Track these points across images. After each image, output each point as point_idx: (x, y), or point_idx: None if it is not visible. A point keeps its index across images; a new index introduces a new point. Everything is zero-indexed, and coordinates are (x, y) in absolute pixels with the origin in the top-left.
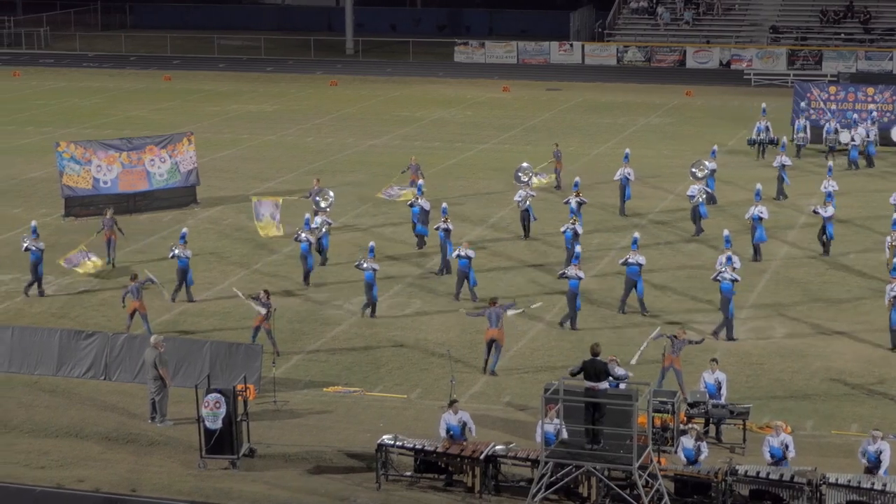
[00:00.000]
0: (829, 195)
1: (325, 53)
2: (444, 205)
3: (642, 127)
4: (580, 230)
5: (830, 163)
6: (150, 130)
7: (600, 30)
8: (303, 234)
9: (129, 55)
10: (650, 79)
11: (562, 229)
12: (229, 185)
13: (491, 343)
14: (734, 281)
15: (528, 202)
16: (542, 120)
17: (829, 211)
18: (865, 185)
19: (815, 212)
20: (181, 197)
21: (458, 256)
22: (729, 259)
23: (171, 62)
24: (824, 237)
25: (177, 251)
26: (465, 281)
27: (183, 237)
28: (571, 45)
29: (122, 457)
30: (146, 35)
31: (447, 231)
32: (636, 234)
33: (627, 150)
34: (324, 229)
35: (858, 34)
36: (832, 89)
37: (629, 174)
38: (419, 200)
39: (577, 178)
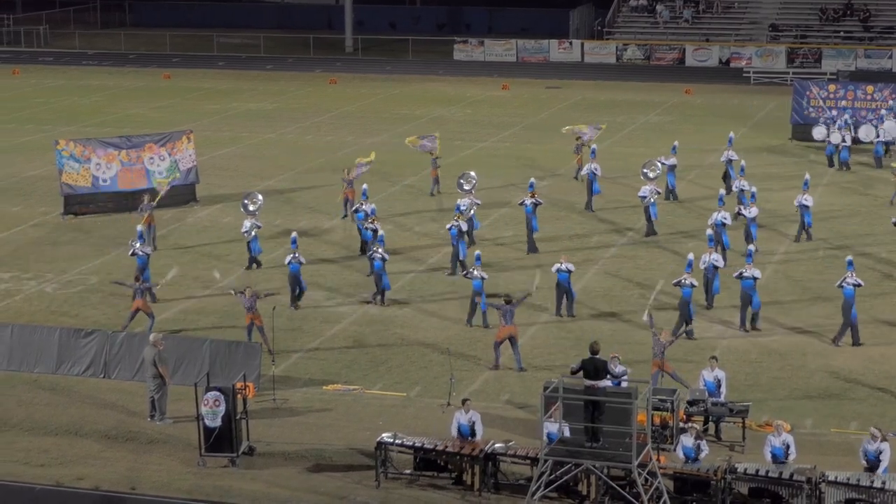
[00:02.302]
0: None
1: (325, 51)
2: (458, 202)
3: (641, 125)
4: (536, 227)
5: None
6: (149, 128)
7: (600, 28)
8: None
9: (129, 53)
10: (649, 77)
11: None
12: (229, 184)
13: (503, 342)
14: (857, 286)
15: (472, 210)
16: (542, 118)
17: (753, 212)
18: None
19: (739, 213)
20: (180, 195)
21: (558, 270)
22: (714, 259)
23: (170, 60)
24: (804, 231)
25: (289, 257)
26: (565, 295)
27: (294, 241)
28: (571, 44)
29: (121, 455)
30: (146, 33)
31: (460, 230)
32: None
33: (594, 147)
34: (253, 233)
35: (858, 32)
36: (832, 87)
37: (596, 169)
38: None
39: (532, 180)
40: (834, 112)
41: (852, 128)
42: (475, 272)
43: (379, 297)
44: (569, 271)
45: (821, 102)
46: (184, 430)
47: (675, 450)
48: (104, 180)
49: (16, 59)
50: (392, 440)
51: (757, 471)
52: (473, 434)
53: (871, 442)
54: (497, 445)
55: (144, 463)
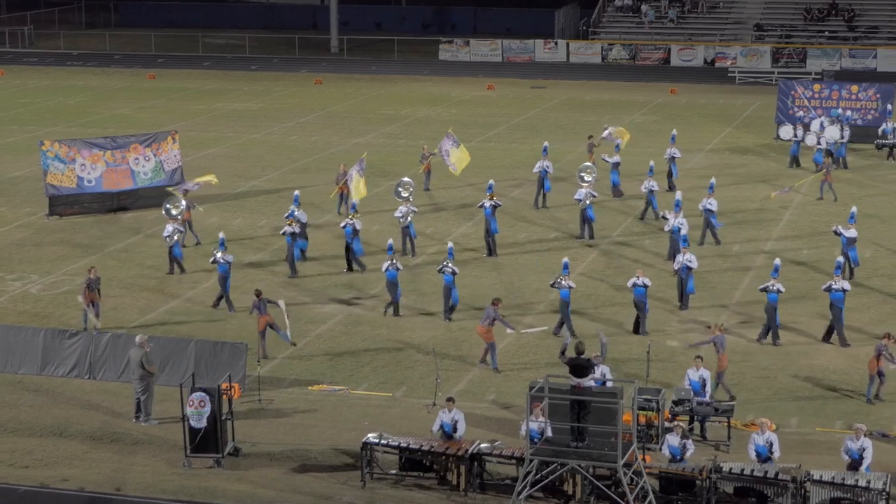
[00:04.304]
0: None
1: (310, 51)
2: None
3: (627, 125)
4: (496, 229)
5: (713, 180)
6: (134, 129)
7: (585, 28)
8: (218, 255)
9: (114, 54)
10: (635, 77)
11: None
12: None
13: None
14: (844, 290)
15: (409, 218)
16: (527, 118)
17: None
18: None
19: (663, 217)
20: (165, 196)
21: (634, 285)
22: (688, 259)
23: (155, 60)
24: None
25: (218, 255)
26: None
27: (222, 243)
28: (556, 44)
29: (106, 456)
30: (130, 33)
31: (354, 228)
32: (565, 259)
33: (546, 144)
34: (175, 237)
35: (842, 32)
36: (816, 87)
37: (548, 167)
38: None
39: (490, 181)
40: (800, 113)
41: (842, 125)
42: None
43: (391, 309)
44: (645, 286)
45: (806, 102)
46: (169, 430)
47: (660, 449)
48: (89, 181)
49: (0, 60)
50: (377, 440)
51: (742, 470)
52: (455, 432)
53: (853, 440)
54: (483, 445)
55: (129, 464)
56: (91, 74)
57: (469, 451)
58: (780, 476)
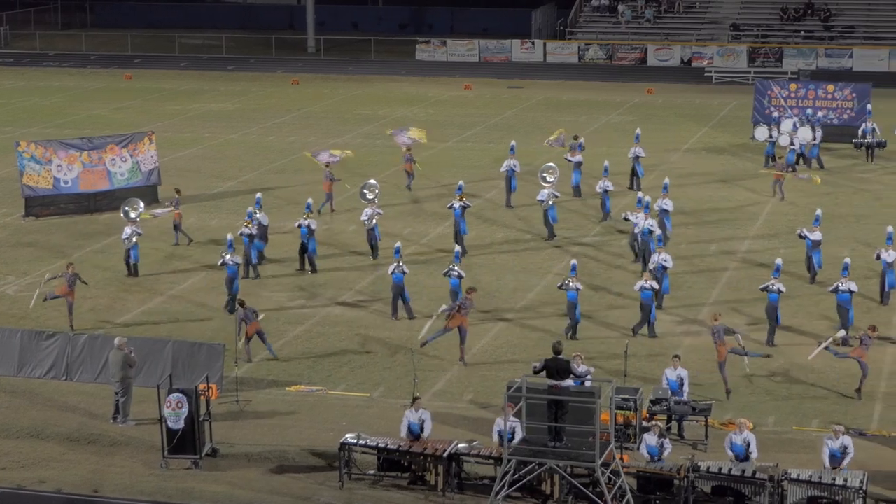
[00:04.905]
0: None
1: (287, 52)
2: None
3: (604, 125)
4: (465, 230)
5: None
6: (110, 129)
7: (562, 28)
8: (227, 257)
9: (90, 54)
10: (611, 77)
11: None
12: (191, 185)
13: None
14: (851, 292)
15: (374, 220)
16: (504, 118)
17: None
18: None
19: (625, 218)
20: (142, 196)
21: (642, 288)
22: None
23: (131, 61)
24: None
25: (227, 257)
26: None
27: (230, 244)
28: (533, 44)
29: (83, 457)
30: (107, 34)
31: (310, 228)
32: (574, 261)
33: (513, 143)
34: (134, 239)
35: (818, 32)
36: (793, 87)
37: (515, 166)
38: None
39: (460, 182)
40: (776, 113)
41: (814, 126)
42: (455, 269)
43: (405, 312)
44: (653, 289)
45: (782, 102)
46: (147, 432)
47: (638, 448)
48: (65, 182)
49: None
50: (355, 441)
51: (720, 469)
52: (422, 431)
53: (832, 439)
54: (461, 445)
55: (107, 465)
56: (67, 75)
57: (447, 452)
58: (757, 475)
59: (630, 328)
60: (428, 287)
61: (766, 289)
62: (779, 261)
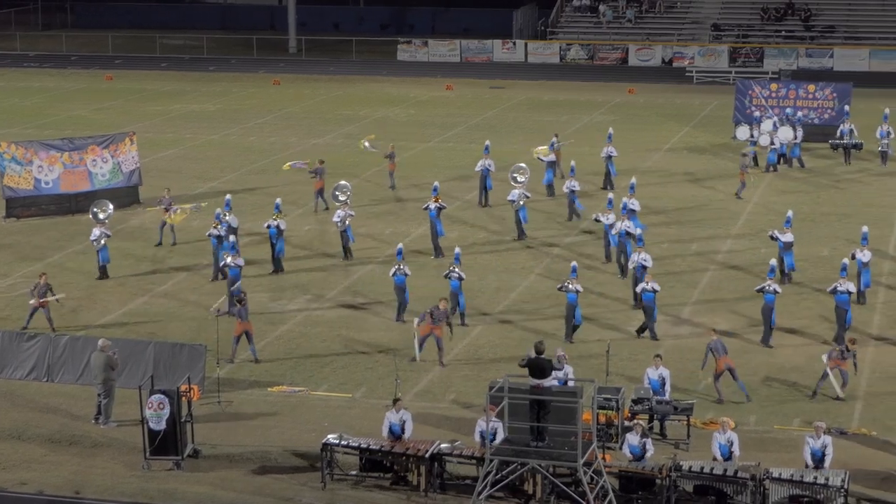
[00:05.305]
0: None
1: (268, 52)
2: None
3: (585, 125)
4: (442, 231)
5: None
6: (91, 130)
7: (543, 28)
8: (228, 259)
9: (71, 55)
10: (593, 77)
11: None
12: (172, 186)
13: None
14: (849, 293)
15: (346, 222)
16: (486, 118)
17: (611, 218)
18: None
19: (596, 220)
20: (123, 197)
21: (644, 290)
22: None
23: (112, 62)
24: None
25: (228, 259)
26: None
27: (233, 246)
28: (514, 44)
29: (65, 459)
30: (87, 34)
31: (279, 229)
32: (574, 263)
33: (487, 142)
34: (102, 241)
35: (799, 31)
36: (774, 86)
37: (489, 165)
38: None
39: (435, 183)
40: (757, 112)
41: (794, 125)
42: (455, 271)
43: (403, 313)
44: (654, 291)
45: (763, 101)
46: (128, 433)
47: (620, 448)
48: (46, 183)
49: None
50: (338, 441)
51: (702, 468)
52: (403, 432)
53: (814, 438)
54: (443, 446)
55: (89, 467)
56: (48, 76)
57: (429, 452)
58: (739, 474)
59: (631, 329)
60: (413, 287)
61: (761, 290)
62: (773, 261)
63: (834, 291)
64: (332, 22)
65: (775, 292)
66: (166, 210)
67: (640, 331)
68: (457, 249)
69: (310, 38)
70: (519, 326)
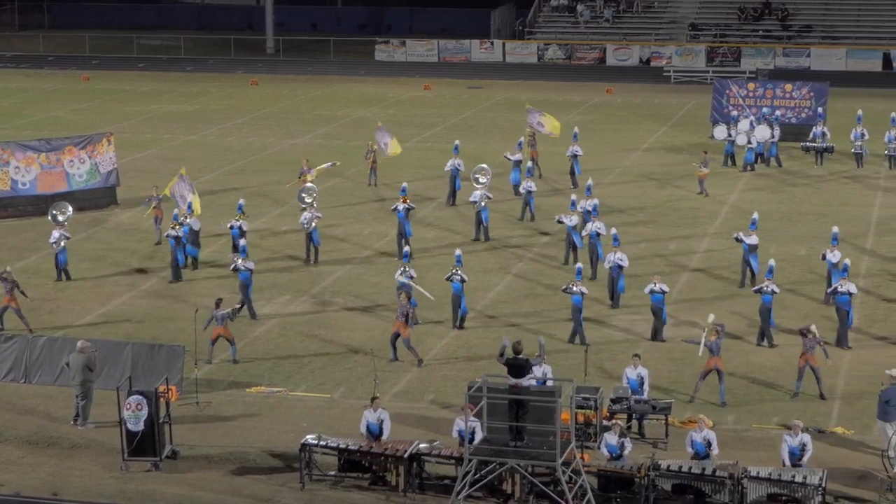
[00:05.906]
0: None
1: (246, 52)
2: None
3: (563, 125)
4: (410, 231)
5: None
6: (69, 131)
7: (521, 28)
8: (239, 262)
9: (48, 55)
10: (571, 76)
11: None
12: (150, 186)
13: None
14: (850, 293)
15: (313, 224)
16: (464, 118)
17: (574, 220)
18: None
19: (559, 221)
20: (101, 198)
21: (651, 291)
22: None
23: (89, 62)
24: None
25: (238, 262)
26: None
27: (243, 249)
28: (492, 44)
29: (43, 460)
30: (64, 35)
31: (241, 229)
32: (579, 264)
33: (457, 142)
34: (62, 243)
35: (776, 31)
36: (751, 86)
37: (459, 165)
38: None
39: (404, 184)
40: (734, 112)
41: (771, 124)
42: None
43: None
44: (663, 292)
45: (740, 101)
46: (106, 434)
47: (599, 447)
48: (23, 184)
49: None
50: (316, 442)
51: (680, 467)
52: (381, 432)
53: (791, 436)
54: (422, 446)
55: (67, 468)
56: (24, 76)
57: (408, 452)
58: (717, 473)
59: (655, 336)
60: (385, 288)
61: (759, 290)
62: (772, 262)
63: (834, 292)
64: (309, 22)
65: (773, 293)
66: (158, 210)
67: (654, 335)
68: (458, 251)
69: (287, 39)
70: (497, 327)
